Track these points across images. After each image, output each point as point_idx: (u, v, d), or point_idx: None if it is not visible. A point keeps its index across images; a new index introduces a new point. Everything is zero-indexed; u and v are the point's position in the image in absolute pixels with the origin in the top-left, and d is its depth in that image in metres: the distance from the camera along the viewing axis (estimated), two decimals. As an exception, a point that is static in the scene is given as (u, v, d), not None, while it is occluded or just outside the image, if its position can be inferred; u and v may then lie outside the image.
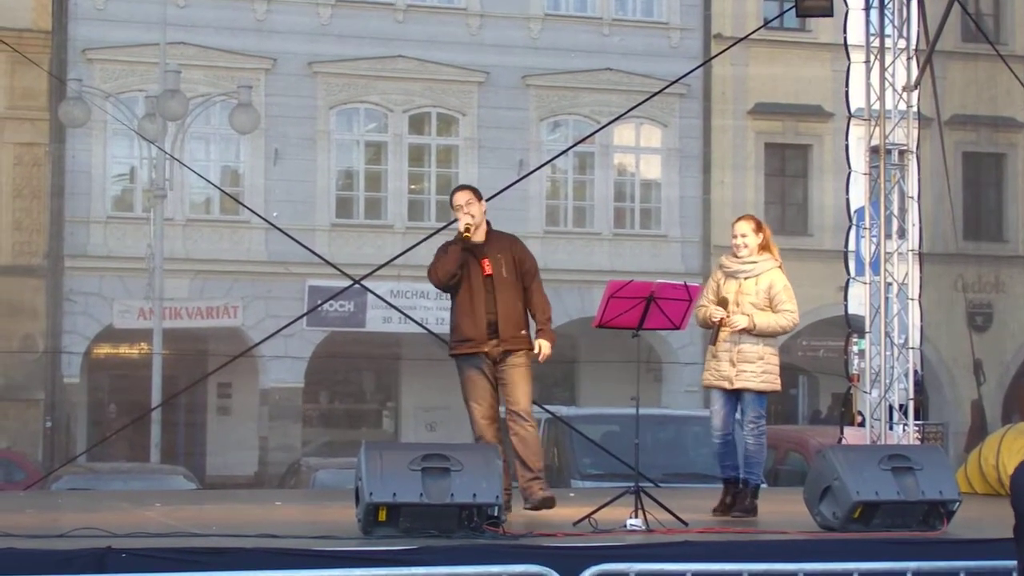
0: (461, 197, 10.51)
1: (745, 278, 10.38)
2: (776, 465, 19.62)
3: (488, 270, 10.37)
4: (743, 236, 10.48)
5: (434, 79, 29.74)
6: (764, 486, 10.67)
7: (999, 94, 30.83)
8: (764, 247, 10.50)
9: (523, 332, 10.45)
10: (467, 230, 10.31)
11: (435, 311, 24.42)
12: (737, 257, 10.48)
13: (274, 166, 28.71)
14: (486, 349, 10.31)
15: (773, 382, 10.39)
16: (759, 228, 10.54)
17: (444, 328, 11.26)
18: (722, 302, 10.34)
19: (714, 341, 10.38)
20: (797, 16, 16.16)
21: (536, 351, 10.37)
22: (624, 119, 25.38)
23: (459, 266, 10.35)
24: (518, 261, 10.47)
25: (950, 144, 27.75)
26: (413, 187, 29.68)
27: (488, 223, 10.58)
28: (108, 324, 27.93)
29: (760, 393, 10.35)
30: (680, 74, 21.68)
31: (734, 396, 10.39)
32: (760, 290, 10.34)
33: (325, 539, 8.43)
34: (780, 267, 10.53)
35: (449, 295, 10.61)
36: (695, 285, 10.05)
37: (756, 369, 10.27)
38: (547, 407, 18.50)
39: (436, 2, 30.26)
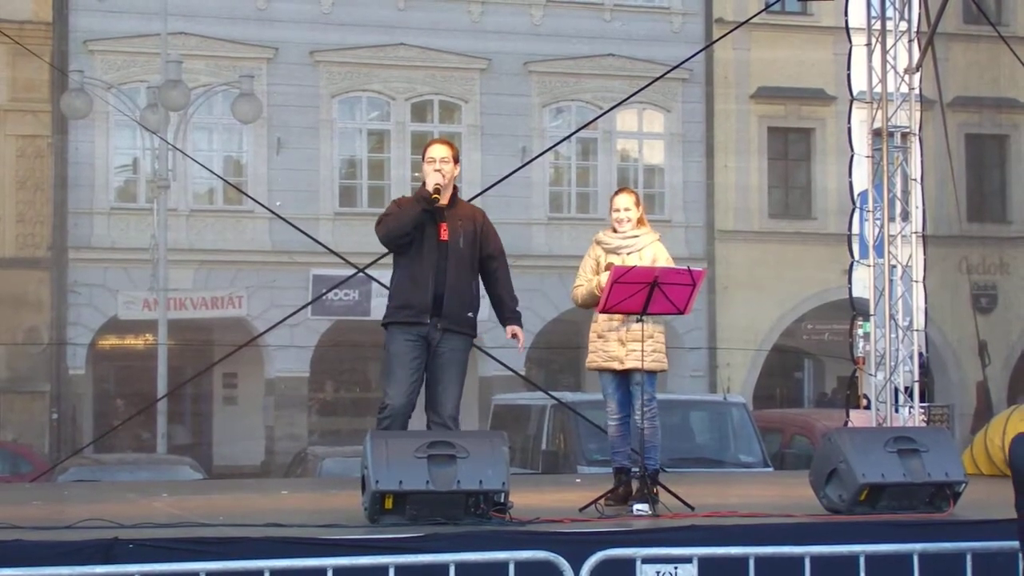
0: (439, 151, 9.45)
1: (628, 253, 10.06)
2: (782, 448, 19.68)
3: (444, 235, 9.33)
4: (626, 210, 10.14)
5: (436, 67, 29.72)
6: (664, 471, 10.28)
7: (1001, 75, 30.82)
8: (640, 222, 10.21)
9: (469, 315, 9.44)
10: (436, 191, 9.26)
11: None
12: (617, 232, 10.17)
13: (277, 155, 28.70)
14: (426, 322, 9.32)
15: (661, 361, 10.06)
16: (638, 203, 10.24)
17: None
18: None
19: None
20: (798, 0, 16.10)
21: (510, 336, 9.63)
22: (627, 104, 25.35)
23: (415, 227, 9.30)
24: (481, 236, 9.46)
25: (953, 126, 27.73)
26: (416, 175, 29.63)
27: (456, 189, 9.62)
28: (113, 315, 27.93)
29: (650, 373, 10.00)
30: (682, 59, 21.64)
31: (625, 377, 10.06)
32: (644, 264, 9.97)
33: (332, 527, 8.42)
34: (659, 240, 10.26)
35: (393, 255, 9.65)
36: (699, 270, 9.98)
37: (646, 348, 9.88)
38: (552, 393, 18.53)
39: (437, -11, 30.29)
